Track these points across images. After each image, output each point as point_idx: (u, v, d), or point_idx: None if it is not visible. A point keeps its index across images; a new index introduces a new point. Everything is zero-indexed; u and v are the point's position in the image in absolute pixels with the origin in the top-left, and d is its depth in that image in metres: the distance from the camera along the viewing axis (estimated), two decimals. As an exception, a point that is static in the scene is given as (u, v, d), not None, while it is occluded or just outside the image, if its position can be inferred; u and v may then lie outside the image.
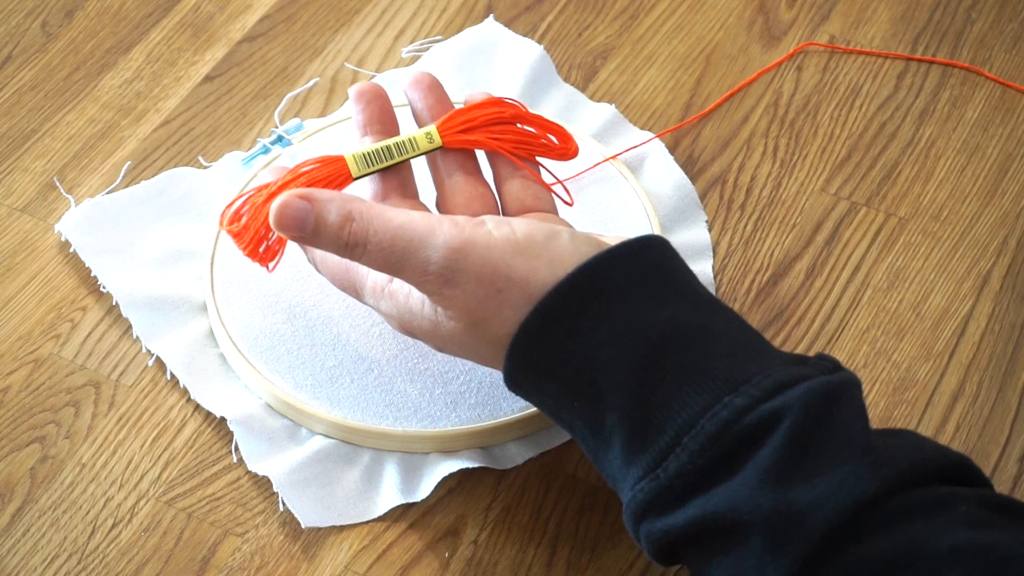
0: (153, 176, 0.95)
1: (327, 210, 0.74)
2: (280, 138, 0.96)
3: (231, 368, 0.86)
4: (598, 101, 1.00)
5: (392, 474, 0.82)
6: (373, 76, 1.01)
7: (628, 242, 0.72)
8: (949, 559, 0.62)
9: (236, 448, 0.83)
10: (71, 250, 0.91)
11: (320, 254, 0.79)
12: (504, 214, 0.83)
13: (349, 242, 0.73)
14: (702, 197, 0.95)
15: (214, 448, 0.84)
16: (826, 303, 0.90)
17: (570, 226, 0.80)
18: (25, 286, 0.91)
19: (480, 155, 0.84)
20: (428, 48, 1.02)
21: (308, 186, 0.78)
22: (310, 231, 0.74)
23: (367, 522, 0.81)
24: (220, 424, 0.84)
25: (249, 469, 0.82)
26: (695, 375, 0.68)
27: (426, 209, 0.82)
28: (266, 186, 0.79)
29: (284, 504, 0.81)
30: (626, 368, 0.69)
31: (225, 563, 0.79)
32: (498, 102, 0.83)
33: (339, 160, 0.80)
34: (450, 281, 0.72)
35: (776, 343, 0.88)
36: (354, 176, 0.80)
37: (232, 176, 0.95)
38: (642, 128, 0.98)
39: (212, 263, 0.89)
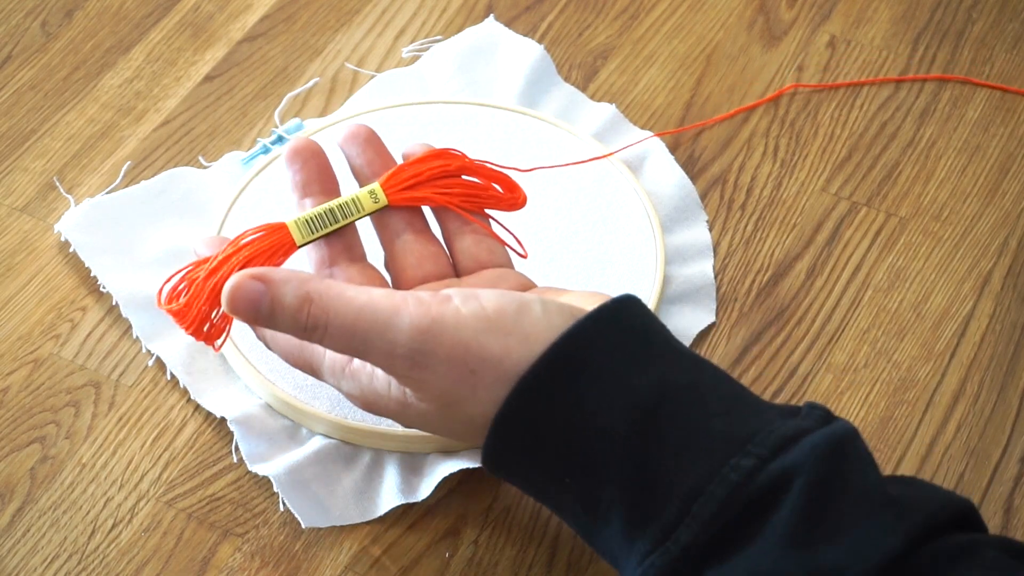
0: (153, 176, 0.95)
1: (283, 292, 0.70)
2: (280, 138, 0.96)
3: (231, 368, 0.86)
4: (598, 101, 0.99)
5: (392, 474, 0.82)
6: (373, 76, 1.00)
7: (603, 308, 0.69)
8: None
9: (236, 448, 0.83)
10: (71, 250, 0.91)
11: (270, 332, 0.76)
12: (458, 272, 0.80)
13: (307, 325, 0.69)
14: (703, 197, 0.95)
15: (214, 448, 0.84)
16: (827, 303, 0.90)
17: (531, 282, 0.79)
18: (25, 286, 0.90)
19: (426, 210, 0.81)
20: (428, 48, 1.02)
21: (250, 258, 0.75)
22: (265, 314, 0.70)
23: (367, 522, 0.81)
24: (220, 424, 0.84)
25: (249, 469, 0.82)
26: (694, 437, 0.66)
27: (376, 272, 0.80)
28: (205, 260, 0.76)
29: (284, 504, 0.81)
30: (620, 438, 0.66)
31: (225, 563, 0.79)
32: (442, 154, 0.79)
33: (281, 228, 0.77)
34: (419, 364, 0.69)
35: (776, 343, 0.88)
36: (298, 244, 0.77)
37: (232, 176, 0.95)
38: (642, 128, 0.98)
39: (212, 263, 0.89)
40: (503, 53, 1.02)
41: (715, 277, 0.91)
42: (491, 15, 1.04)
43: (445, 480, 0.81)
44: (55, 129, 0.98)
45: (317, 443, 0.83)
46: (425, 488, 0.81)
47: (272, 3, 1.05)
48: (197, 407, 0.85)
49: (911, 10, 1.05)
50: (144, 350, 0.87)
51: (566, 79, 1.01)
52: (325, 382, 0.76)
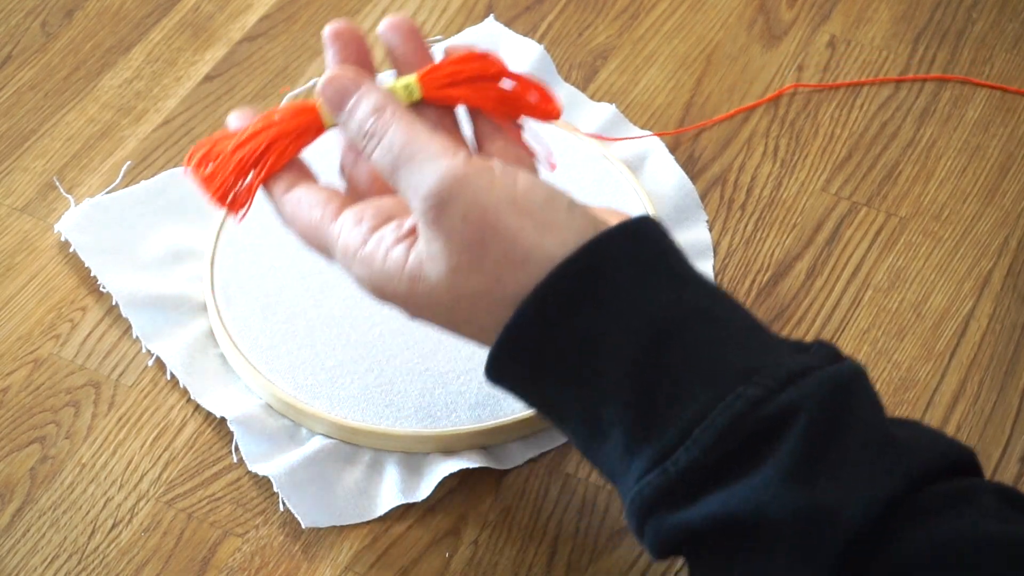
0: (153, 176, 0.95)
1: (369, 94, 0.73)
2: (280, 138, 0.96)
3: (231, 368, 0.86)
4: (598, 101, 0.99)
5: (392, 474, 0.82)
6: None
7: (627, 223, 0.69)
8: (983, 555, 0.61)
9: (236, 448, 0.83)
10: (71, 250, 0.91)
11: (291, 209, 0.75)
12: None
13: (370, 131, 0.72)
14: (703, 197, 0.95)
15: (214, 448, 0.84)
16: (827, 303, 0.90)
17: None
18: (25, 286, 0.90)
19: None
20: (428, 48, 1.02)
21: (278, 136, 0.76)
22: (348, 108, 0.73)
23: (367, 522, 0.81)
24: (220, 424, 0.84)
25: (249, 469, 0.82)
26: (704, 364, 0.66)
27: None
28: (234, 133, 0.76)
29: (284, 504, 0.81)
30: (630, 355, 0.66)
31: (225, 563, 0.79)
32: (482, 57, 0.78)
33: (312, 110, 0.76)
34: (439, 211, 0.69)
35: (777, 343, 0.88)
36: (326, 126, 0.76)
37: (232, 176, 0.95)
38: (642, 128, 0.98)
39: (212, 263, 0.89)
40: (503, 53, 1.02)
41: (715, 277, 0.91)
42: (491, 15, 1.04)
43: (445, 480, 0.81)
44: (55, 129, 0.98)
45: (317, 443, 0.83)
46: (425, 488, 0.81)
47: (272, 3, 1.05)
48: (197, 407, 0.85)
49: (911, 10, 1.05)
50: (144, 350, 0.87)
51: (566, 79, 1.01)
52: (335, 263, 0.75)
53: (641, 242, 0.69)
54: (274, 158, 0.75)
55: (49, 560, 0.79)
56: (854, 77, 1.01)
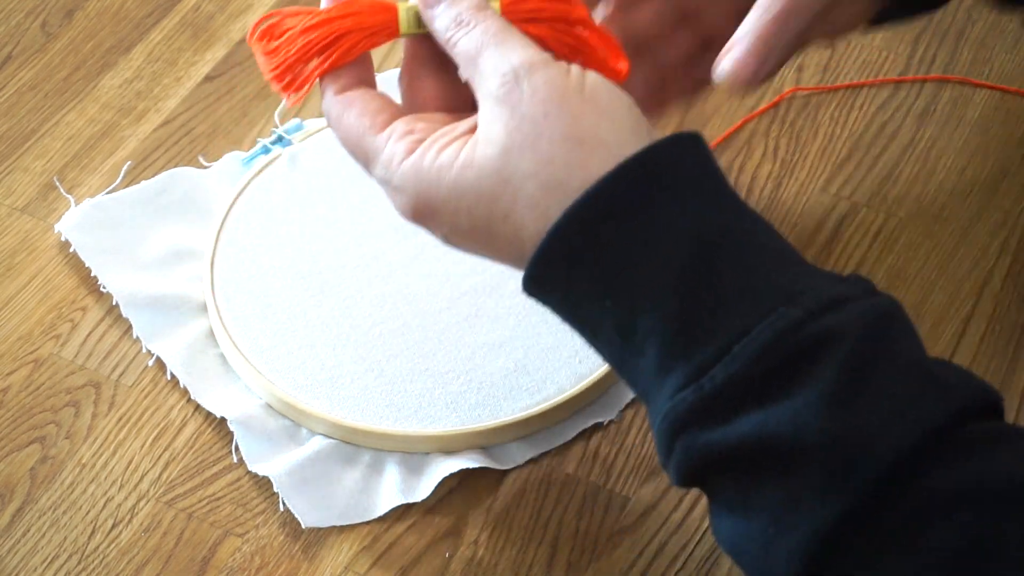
0: (153, 176, 0.95)
1: None
2: (280, 138, 0.96)
3: (231, 368, 0.86)
4: (598, 101, 0.99)
5: (392, 474, 0.82)
6: (373, 76, 1.00)
7: (684, 135, 0.68)
8: (1016, 496, 0.60)
9: (236, 448, 0.83)
10: (71, 250, 0.91)
11: (339, 111, 0.73)
12: None
13: (465, 20, 0.72)
14: (702, 197, 0.94)
15: (214, 448, 0.84)
16: (826, 303, 0.90)
17: None
18: (25, 286, 0.91)
19: None
20: None
21: (349, 29, 0.74)
22: (448, 1, 0.72)
23: (367, 522, 0.81)
24: (220, 424, 0.84)
25: (249, 469, 0.82)
26: (748, 280, 0.64)
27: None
28: (307, 11, 0.74)
29: (284, 504, 0.81)
30: (675, 266, 0.65)
31: (225, 563, 0.79)
32: (567, 1, 0.76)
33: (391, 9, 0.74)
34: (512, 83, 0.69)
35: (776, 343, 0.88)
36: (401, 32, 0.74)
37: (232, 176, 0.95)
38: (642, 128, 0.98)
39: (212, 263, 0.89)
40: None
41: (715, 277, 0.91)
42: (491, 15, 1.04)
43: (445, 480, 0.81)
44: (55, 129, 0.98)
45: (317, 443, 0.83)
46: (425, 488, 0.81)
47: (272, 3, 1.05)
48: (197, 407, 0.85)
49: (911, 10, 1.05)
50: (144, 350, 0.87)
51: (566, 79, 1.01)
52: (373, 176, 0.73)
53: (695, 157, 0.68)
54: (340, 52, 0.73)
55: (49, 560, 0.79)
56: (854, 77, 1.01)
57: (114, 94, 1.00)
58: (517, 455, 0.83)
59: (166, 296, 0.89)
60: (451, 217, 0.70)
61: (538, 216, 0.67)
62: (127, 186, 0.95)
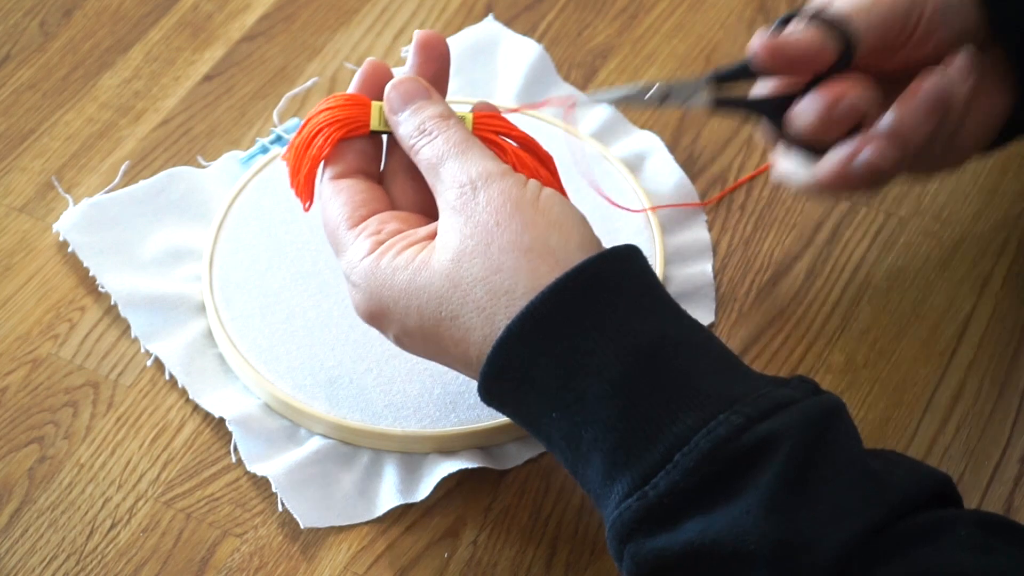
0: (152, 176, 0.95)
1: (439, 105, 0.76)
2: (279, 138, 0.96)
3: (230, 368, 0.86)
4: (598, 101, 0.99)
5: (391, 474, 0.82)
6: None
7: (621, 249, 0.71)
8: None
9: (235, 448, 0.83)
10: (69, 250, 0.91)
11: (327, 197, 0.76)
12: None
13: (428, 129, 0.74)
14: (702, 196, 0.94)
15: (213, 448, 0.84)
16: (826, 303, 0.90)
17: None
18: (23, 286, 0.90)
19: None
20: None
21: (326, 123, 0.77)
22: (412, 108, 0.75)
23: (366, 522, 0.81)
24: (219, 424, 0.84)
25: (248, 469, 0.82)
26: (687, 389, 0.66)
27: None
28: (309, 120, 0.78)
29: (283, 504, 0.81)
30: (613, 377, 0.67)
31: (224, 564, 0.79)
32: (527, 137, 0.79)
33: (365, 104, 0.77)
34: (469, 193, 0.72)
35: (776, 343, 0.88)
36: (371, 128, 0.77)
37: (231, 175, 0.95)
38: (641, 128, 0.98)
39: (211, 263, 0.89)
40: (502, 53, 1.02)
41: (714, 277, 0.91)
42: (490, 15, 1.04)
43: (444, 480, 0.81)
44: (54, 129, 0.98)
45: (316, 443, 0.83)
46: (424, 488, 0.81)
47: (271, 2, 1.05)
48: (196, 407, 0.85)
49: (911, 10, 1.05)
50: (143, 350, 0.87)
51: (565, 79, 1.01)
52: (340, 260, 0.75)
53: (630, 268, 0.70)
54: (319, 148, 0.77)
55: (47, 560, 0.79)
56: (854, 77, 1.01)
57: (112, 93, 1.00)
58: (516, 455, 0.83)
59: (165, 296, 0.89)
60: (401, 316, 0.73)
61: (484, 320, 0.70)
62: (125, 186, 0.94)
